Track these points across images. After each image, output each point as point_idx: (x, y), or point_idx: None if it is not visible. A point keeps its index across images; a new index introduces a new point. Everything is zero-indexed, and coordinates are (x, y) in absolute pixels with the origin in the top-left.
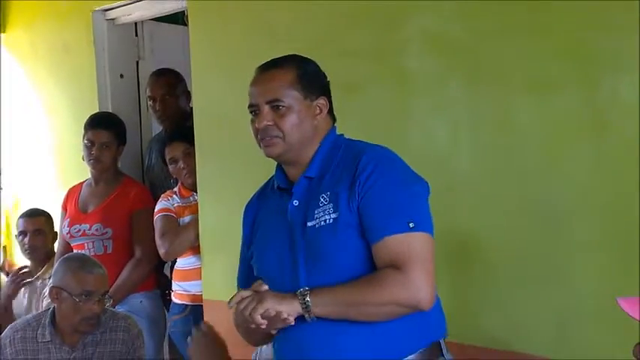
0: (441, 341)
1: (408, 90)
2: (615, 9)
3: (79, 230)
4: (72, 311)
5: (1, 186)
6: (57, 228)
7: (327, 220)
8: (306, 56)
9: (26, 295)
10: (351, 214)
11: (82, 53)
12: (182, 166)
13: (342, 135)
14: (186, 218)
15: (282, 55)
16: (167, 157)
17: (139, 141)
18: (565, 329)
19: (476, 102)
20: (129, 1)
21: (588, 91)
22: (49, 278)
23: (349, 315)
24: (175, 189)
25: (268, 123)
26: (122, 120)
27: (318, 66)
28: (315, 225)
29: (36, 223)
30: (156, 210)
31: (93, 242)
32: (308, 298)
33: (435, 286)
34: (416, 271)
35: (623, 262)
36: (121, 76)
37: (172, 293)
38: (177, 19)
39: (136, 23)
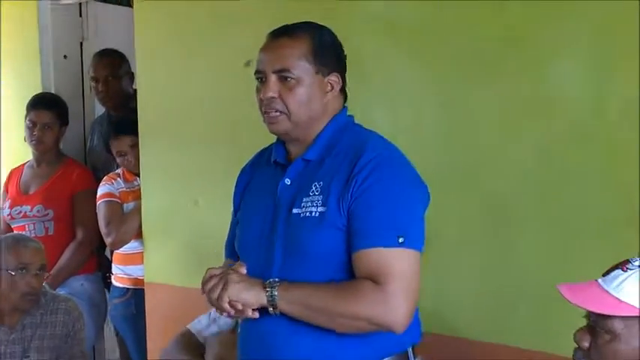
0: (409, 350)
1: (356, 74)
2: None
3: (20, 212)
4: (10, 287)
5: None
6: None
7: (313, 213)
8: (324, 25)
9: None
10: (339, 215)
11: (26, 33)
12: (129, 158)
13: (352, 117)
14: (131, 204)
15: (222, 35)
16: (114, 151)
17: (81, 122)
18: (507, 313)
19: (428, 89)
20: None
21: (536, 77)
22: None
23: (317, 320)
24: (119, 171)
25: (274, 95)
26: (65, 101)
27: (336, 38)
28: (300, 214)
29: None
30: (99, 194)
31: (34, 224)
32: (275, 292)
33: (414, 309)
34: (397, 291)
35: (564, 244)
36: (65, 56)
37: (113, 276)
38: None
39: (80, 4)
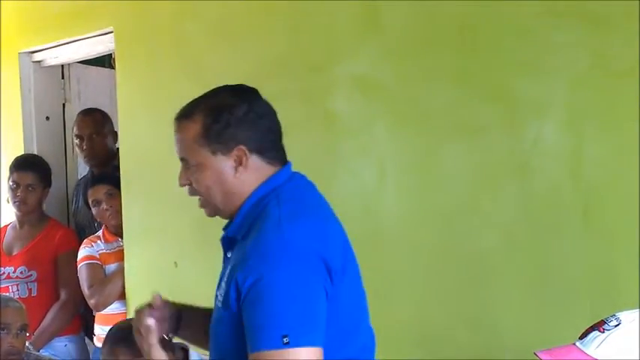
0: None
1: (335, 133)
2: (539, 54)
3: (4, 273)
4: None
5: None
6: None
7: (218, 302)
8: (228, 92)
9: None
10: (227, 308)
11: (8, 94)
12: (105, 207)
13: (291, 178)
14: (113, 266)
15: None
16: (90, 200)
17: (64, 184)
18: None
19: (402, 145)
20: (56, 44)
21: (512, 135)
22: None
23: None
24: (99, 233)
25: (184, 181)
26: (47, 162)
27: (238, 104)
28: (216, 298)
29: None
30: (79, 257)
31: (17, 285)
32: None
33: None
34: None
35: (546, 302)
36: (47, 118)
37: (95, 337)
38: (104, 62)
39: (62, 66)
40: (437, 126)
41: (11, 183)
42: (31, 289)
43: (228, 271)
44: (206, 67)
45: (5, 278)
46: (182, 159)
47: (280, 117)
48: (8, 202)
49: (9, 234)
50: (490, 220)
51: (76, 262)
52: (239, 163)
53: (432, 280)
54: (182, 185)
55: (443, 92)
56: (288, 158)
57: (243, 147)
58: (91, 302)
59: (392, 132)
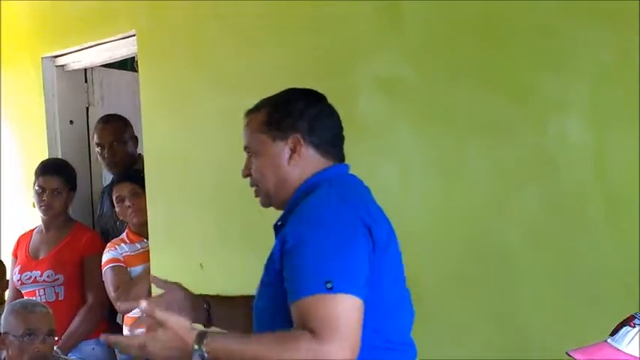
0: None
1: (358, 134)
2: (562, 52)
3: (30, 277)
4: (18, 353)
5: None
6: (8, 276)
7: (262, 283)
8: (296, 91)
9: None
10: (280, 279)
11: (31, 99)
12: (128, 204)
13: (343, 174)
14: (138, 268)
15: (228, 100)
16: (114, 197)
17: (88, 187)
18: None
19: (426, 145)
20: (78, 48)
21: (536, 133)
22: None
23: None
24: (123, 236)
25: (246, 171)
26: (72, 166)
27: (299, 99)
28: (262, 278)
29: None
30: (103, 261)
31: (44, 289)
32: (204, 348)
33: (353, 355)
34: (333, 342)
35: (573, 300)
36: (71, 122)
37: None
38: (127, 65)
39: (85, 69)
40: (460, 125)
41: (37, 187)
42: (58, 292)
43: (272, 253)
44: (228, 70)
45: (32, 282)
46: (246, 148)
47: None
48: (34, 206)
49: (35, 238)
50: (514, 219)
51: (101, 265)
52: (294, 150)
53: (458, 280)
54: (244, 175)
55: (466, 91)
56: None
57: (299, 135)
58: (117, 305)
59: (415, 132)
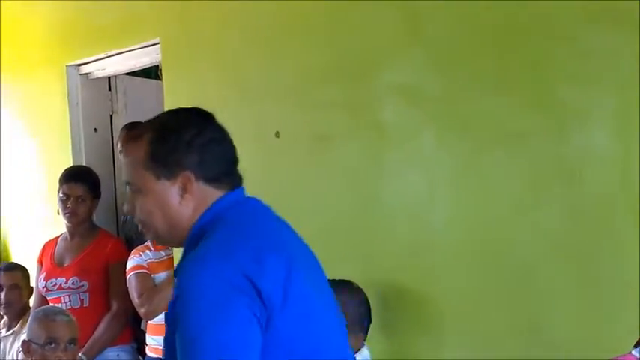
0: None
1: (382, 142)
2: (586, 60)
3: (56, 284)
4: None
5: None
6: (32, 282)
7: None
8: (180, 114)
9: (1, 349)
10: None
11: (56, 107)
12: None
13: (236, 203)
14: (162, 275)
15: (251, 108)
16: None
17: (113, 194)
18: None
19: (449, 153)
20: (103, 56)
21: (560, 142)
22: (25, 333)
23: None
24: (148, 243)
25: (129, 209)
26: (96, 173)
27: (185, 124)
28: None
29: (12, 277)
30: (128, 267)
31: (69, 295)
32: None
33: None
34: None
35: (598, 311)
36: (95, 130)
37: (147, 347)
38: (151, 73)
39: (109, 77)
40: (483, 134)
41: (61, 195)
42: (83, 299)
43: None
44: (251, 78)
45: (57, 289)
46: (126, 183)
47: (325, 126)
48: (59, 213)
49: (60, 245)
50: (539, 228)
51: (126, 272)
52: (184, 190)
53: (481, 289)
54: (127, 214)
55: (489, 100)
56: (335, 167)
57: (188, 173)
58: (141, 311)
59: (438, 140)
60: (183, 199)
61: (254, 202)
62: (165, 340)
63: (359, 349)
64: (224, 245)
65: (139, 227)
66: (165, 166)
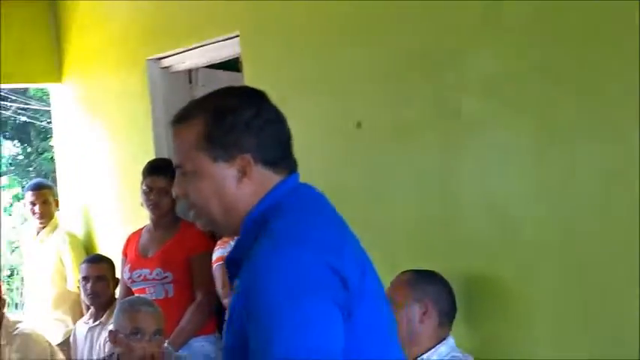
0: None
1: (464, 132)
2: None
3: (140, 275)
4: (127, 352)
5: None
6: (118, 274)
7: (229, 334)
8: (234, 94)
9: (88, 340)
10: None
11: (137, 101)
12: None
13: (295, 189)
14: None
15: (334, 101)
16: None
17: None
18: None
19: (528, 144)
20: (183, 49)
21: None
22: (111, 324)
23: None
24: None
25: (178, 192)
26: None
27: (242, 105)
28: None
29: (98, 269)
30: (213, 258)
31: (154, 287)
32: None
33: None
34: None
35: None
36: None
37: None
38: (231, 65)
39: (189, 70)
40: (567, 123)
41: (145, 187)
42: (167, 290)
43: (235, 299)
44: (332, 68)
45: (142, 280)
46: (178, 166)
47: (408, 117)
48: (142, 205)
49: (144, 236)
50: (618, 220)
51: (210, 263)
52: (243, 173)
53: (559, 282)
54: (176, 197)
55: (571, 88)
56: (417, 158)
57: (247, 156)
58: (225, 302)
59: (521, 129)
60: (241, 183)
61: (311, 189)
62: (231, 333)
63: (444, 339)
64: (299, 233)
65: (191, 214)
66: (222, 148)
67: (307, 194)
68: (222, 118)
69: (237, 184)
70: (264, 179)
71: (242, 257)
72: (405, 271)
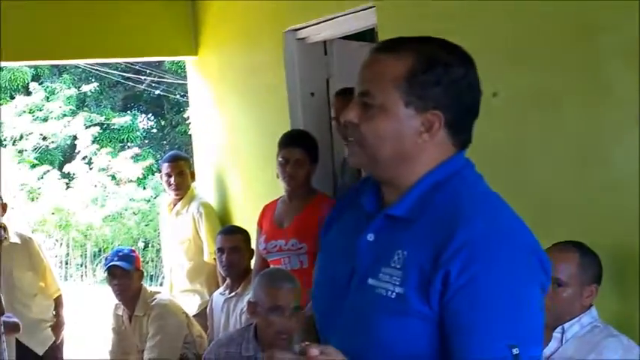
0: None
1: (605, 103)
2: None
3: (276, 246)
4: (265, 325)
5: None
6: (253, 245)
7: (390, 292)
8: (447, 47)
9: (224, 311)
10: (420, 301)
11: (272, 73)
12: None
13: (469, 167)
14: None
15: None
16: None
17: (330, 159)
18: None
19: None
20: (318, 21)
21: None
22: (247, 295)
23: None
24: None
25: (352, 119)
26: (314, 137)
27: (452, 61)
28: (375, 287)
29: (233, 240)
30: None
31: (289, 257)
32: None
33: None
34: None
35: None
36: (312, 94)
37: None
38: (366, 37)
39: (325, 42)
40: None
41: (280, 159)
42: (302, 261)
43: (404, 256)
44: (468, 35)
45: (277, 251)
46: (363, 94)
47: (545, 87)
48: (278, 177)
49: (279, 208)
50: None
51: None
52: (427, 129)
53: None
54: (347, 119)
55: None
56: (555, 129)
57: (439, 113)
58: None
59: None
60: (421, 138)
61: (472, 164)
62: (382, 311)
63: (588, 309)
64: (515, 216)
65: (349, 144)
66: (419, 96)
67: (475, 172)
68: (433, 67)
69: (417, 138)
70: (443, 145)
71: (410, 217)
72: (567, 247)
